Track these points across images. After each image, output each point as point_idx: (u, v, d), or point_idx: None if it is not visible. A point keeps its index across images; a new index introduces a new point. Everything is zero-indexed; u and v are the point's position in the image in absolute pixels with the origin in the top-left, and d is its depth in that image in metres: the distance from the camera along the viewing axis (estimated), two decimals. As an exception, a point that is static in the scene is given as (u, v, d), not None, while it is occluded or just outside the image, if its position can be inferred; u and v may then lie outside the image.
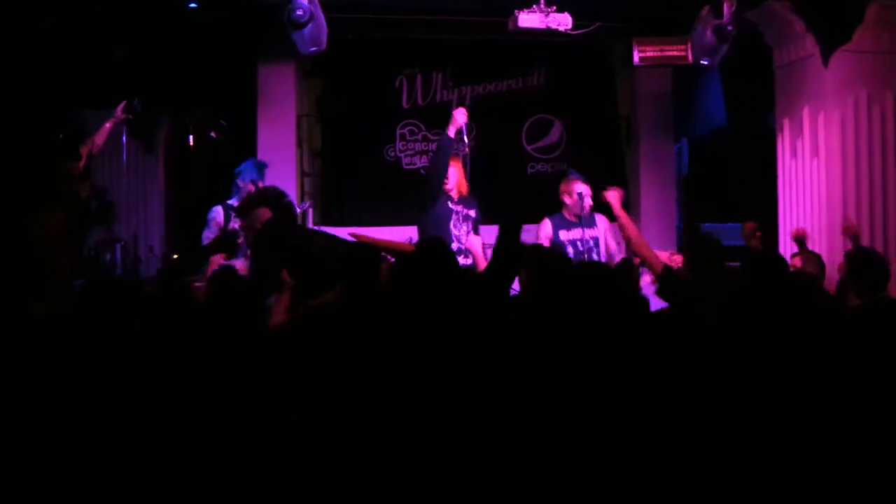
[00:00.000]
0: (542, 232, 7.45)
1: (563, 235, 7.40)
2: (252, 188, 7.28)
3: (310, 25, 7.22)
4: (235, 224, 7.29)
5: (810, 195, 8.14)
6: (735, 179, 10.89)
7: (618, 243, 7.57)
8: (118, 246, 9.10)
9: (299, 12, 6.97)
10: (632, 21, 9.22)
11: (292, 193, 10.39)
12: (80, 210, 5.72)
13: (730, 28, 7.56)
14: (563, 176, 7.74)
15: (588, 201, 7.37)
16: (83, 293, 3.70)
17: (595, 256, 7.37)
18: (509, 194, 10.80)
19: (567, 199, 7.41)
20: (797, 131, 8.34)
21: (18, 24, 7.27)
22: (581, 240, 7.34)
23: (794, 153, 8.40)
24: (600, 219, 7.55)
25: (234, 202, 7.34)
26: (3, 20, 7.12)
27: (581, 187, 7.37)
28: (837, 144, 7.97)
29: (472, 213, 7.21)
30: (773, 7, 8.19)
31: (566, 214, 7.46)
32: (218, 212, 7.40)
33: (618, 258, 7.52)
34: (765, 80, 8.88)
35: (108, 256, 8.99)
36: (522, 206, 10.72)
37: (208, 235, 7.31)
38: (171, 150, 10.75)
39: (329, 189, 10.64)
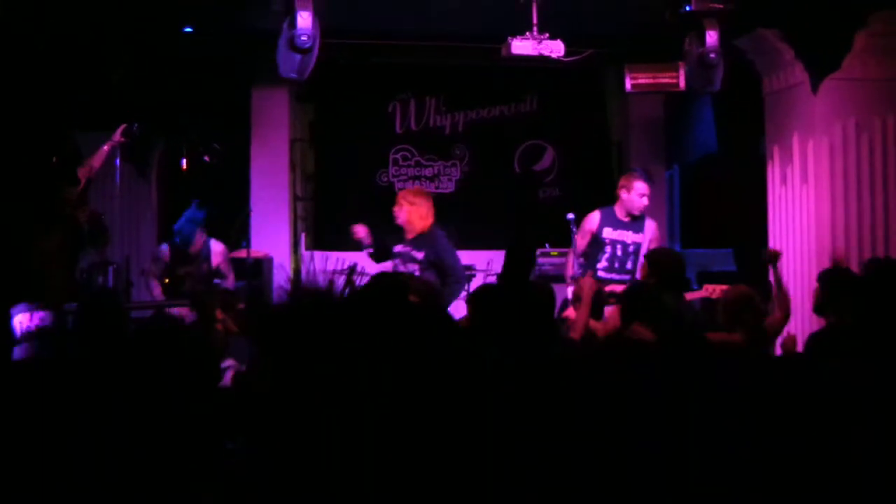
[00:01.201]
0: (588, 224, 7.41)
1: (608, 233, 7.33)
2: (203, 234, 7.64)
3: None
4: (181, 270, 7.48)
5: (800, 222, 8.18)
6: (726, 206, 10.92)
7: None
8: (110, 269, 9.09)
9: (304, 38, 6.99)
10: (624, 48, 9.28)
11: (285, 217, 10.43)
12: (75, 234, 5.75)
13: (712, 56, 7.59)
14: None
15: (645, 201, 7.36)
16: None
17: (630, 264, 7.31)
18: (501, 219, 10.86)
19: (624, 194, 7.37)
20: (787, 158, 8.39)
21: (13, 47, 7.30)
22: (623, 243, 7.32)
23: (783, 180, 8.45)
24: (650, 224, 7.52)
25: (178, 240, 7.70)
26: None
27: (642, 187, 7.34)
28: (826, 171, 8.01)
29: (420, 254, 7.16)
30: (763, 35, 8.25)
31: (618, 211, 7.41)
32: (165, 250, 7.73)
33: None
34: (755, 106, 8.94)
35: (101, 279, 8.99)
36: (514, 231, 10.79)
37: (153, 271, 7.75)
38: (164, 173, 10.75)
39: (322, 213, 10.67)
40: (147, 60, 8.79)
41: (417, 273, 7.06)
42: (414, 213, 7.24)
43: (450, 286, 7.12)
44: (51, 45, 7.56)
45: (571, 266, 7.30)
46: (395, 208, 7.30)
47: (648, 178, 7.50)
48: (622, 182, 7.47)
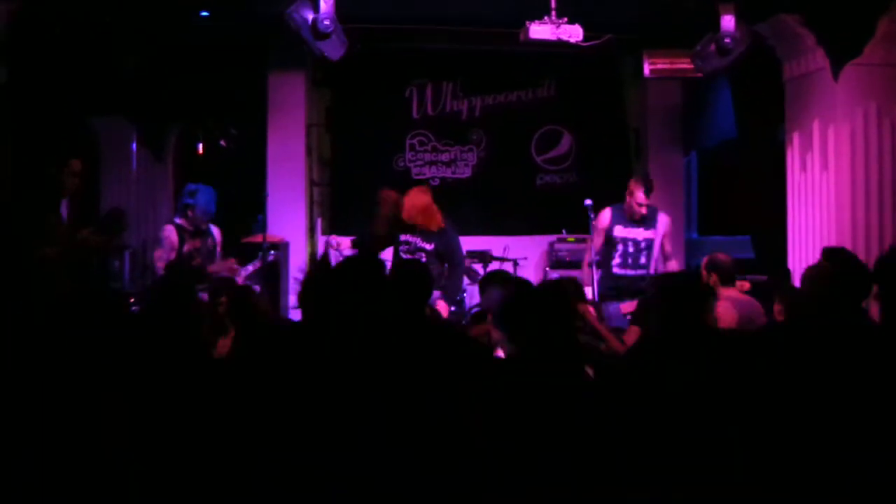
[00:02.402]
0: (601, 222, 7.64)
1: (619, 231, 7.58)
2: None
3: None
4: (188, 246, 7.25)
5: (819, 208, 8.12)
6: (744, 192, 10.86)
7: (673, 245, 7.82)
8: (126, 254, 9.11)
9: (327, 22, 7.04)
10: (643, 33, 9.22)
11: (301, 202, 10.42)
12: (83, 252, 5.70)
13: (727, 41, 7.56)
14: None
15: (643, 210, 7.54)
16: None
17: (643, 259, 7.58)
18: (518, 205, 10.84)
19: (628, 197, 7.56)
20: (807, 144, 8.31)
21: (29, 34, 7.29)
22: (633, 240, 7.56)
23: (803, 166, 8.38)
24: (662, 219, 7.74)
25: (181, 222, 7.25)
26: (13, 31, 7.14)
27: (641, 197, 7.49)
28: (847, 158, 7.94)
29: (430, 246, 7.39)
30: (783, 20, 8.17)
31: (626, 210, 7.62)
32: (171, 231, 7.24)
33: (672, 260, 7.64)
34: (775, 92, 8.86)
35: (117, 264, 9.01)
36: (531, 217, 10.77)
37: (161, 255, 7.20)
38: (180, 158, 10.76)
39: (338, 198, 10.65)
40: (164, 46, 8.77)
41: (423, 261, 7.18)
42: (428, 209, 7.42)
43: (453, 270, 7.44)
44: (67, 31, 7.54)
45: (590, 252, 7.59)
46: (406, 209, 7.41)
47: (648, 190, 7.58)
48: (630, 185, 7.63)
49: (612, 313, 7.31)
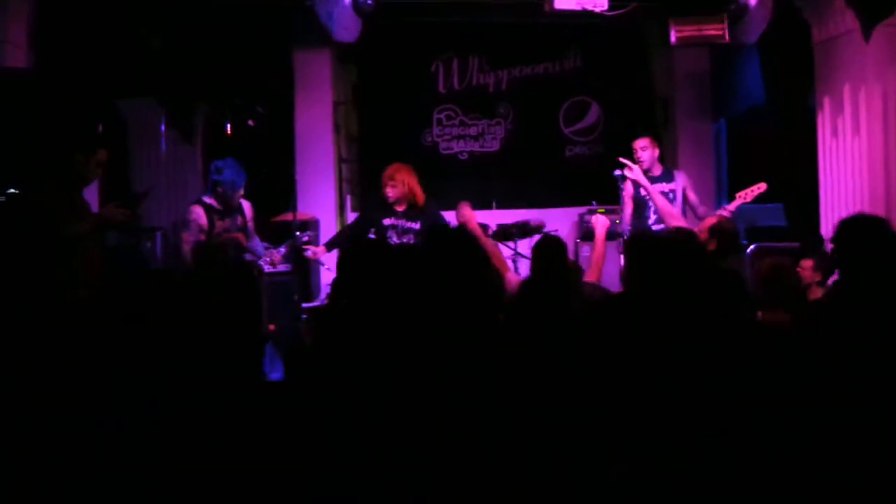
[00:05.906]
0: (626, 192, 7.91)
1: (644, 192, 7.73)
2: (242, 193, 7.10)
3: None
4: (219, 227, 6.94)
5: (851, 174, 8.04)
6: (774, 159, 10.76)
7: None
8: (158, 234, 9.17)
9: (370, 1, 7.15)
10: (668, 0, 9.14)
11: (330, 179, 10.43)
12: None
13: (732, 7, 7.58)
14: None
15: (642, 155, 7.86)
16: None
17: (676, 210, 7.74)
18: (547, 177, 10.81)
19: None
20: (837, 109, 8.23)
21: (55, 16, 7.31)
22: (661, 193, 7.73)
23: (834, 131, 8.29)
24: (679, 174, 8.05)
25: (210, 201, 7.02)
26: (39, 14, 7.17)
27: (638, 142, 7.93)
28: (879, 121, 7.85)
29: (416, 225, 7.30)
30: (812, -18, 8.09)
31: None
32: (199, 213, 6.92)
33: (700, 209, 7.78)
34: (804, 56, 8.76)
35: (148, 245, 9.08)
36: (560, 189, 10.74)
37: (188, 238, 6.90)
38: (208, 138, 10.79)
39: (366, 174, 10.64)
40: (189, 25, 8.78)
41: (413, 243, 7.18)
42: (413, 187, 7.33)
43: None
44: (92, 13, 7.56)
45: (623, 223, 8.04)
46: (389, 188, 7.32)
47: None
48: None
49: None
